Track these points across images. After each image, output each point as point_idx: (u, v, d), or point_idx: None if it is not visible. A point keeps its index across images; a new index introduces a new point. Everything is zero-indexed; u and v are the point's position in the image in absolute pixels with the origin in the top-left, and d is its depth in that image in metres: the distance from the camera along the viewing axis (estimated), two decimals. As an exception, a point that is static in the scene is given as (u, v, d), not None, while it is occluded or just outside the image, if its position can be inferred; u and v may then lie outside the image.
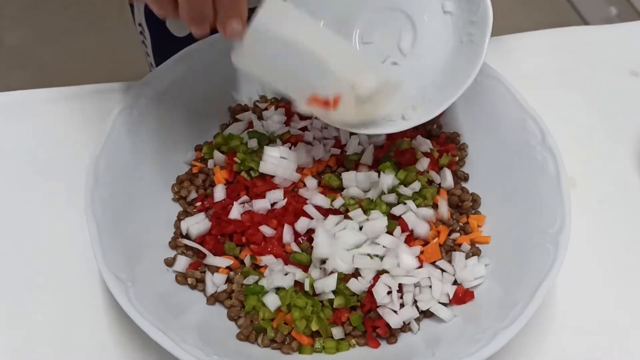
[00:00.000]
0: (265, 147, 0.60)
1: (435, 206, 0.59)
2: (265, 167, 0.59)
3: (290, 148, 0.61)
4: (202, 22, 0.44)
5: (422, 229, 0.56)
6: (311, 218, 0.57)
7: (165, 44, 0.80)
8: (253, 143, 0.61)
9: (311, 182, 0.60)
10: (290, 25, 0.49)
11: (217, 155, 0.62)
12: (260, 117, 0.65)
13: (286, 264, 0.56)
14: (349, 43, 0.55)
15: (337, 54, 0.52)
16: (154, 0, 0.43)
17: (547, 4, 2.02)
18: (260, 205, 0.58)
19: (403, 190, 0.58)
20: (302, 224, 0.57)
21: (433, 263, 0.56)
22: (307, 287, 0.53)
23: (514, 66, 0.65)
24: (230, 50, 0.50)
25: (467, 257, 0.57)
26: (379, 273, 0.54)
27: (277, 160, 0.59)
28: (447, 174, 0.62)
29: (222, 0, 0.43)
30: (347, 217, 0.57)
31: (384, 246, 0.54)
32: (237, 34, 0.46)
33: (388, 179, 0.58)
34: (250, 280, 0.55)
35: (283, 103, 0.67)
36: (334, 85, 0.52)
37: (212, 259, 0.57)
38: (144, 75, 0.62)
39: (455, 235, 0.59)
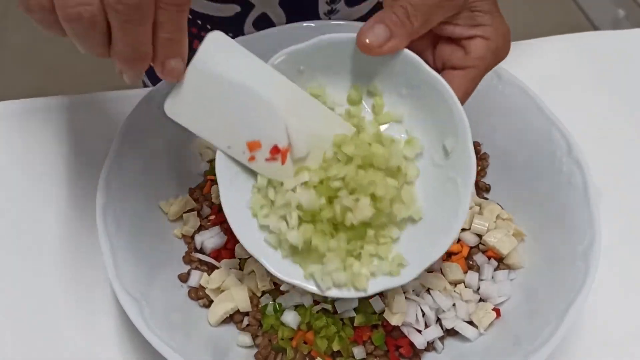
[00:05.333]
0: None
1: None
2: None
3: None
4: (142, 62, 0.38)
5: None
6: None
7: None
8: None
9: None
10: (235, 64, 0.43)
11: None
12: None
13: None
14: (307, 94, 0.46)
15: (289, 99, 0.45)
16: (79, 39, 0.36)
17: (554, 7, 2.00)
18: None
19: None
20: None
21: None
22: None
23: (527, 72, 0.63)
24: (163, 102, 0.44)
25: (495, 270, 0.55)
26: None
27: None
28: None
29: (161, 37, 0.37)
30: None
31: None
32: (176, 73, 0.40)
33: None
34: (265, 300, 0.54)
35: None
36: (284, 136, 0.45)
37: (227, 275, 0.55)
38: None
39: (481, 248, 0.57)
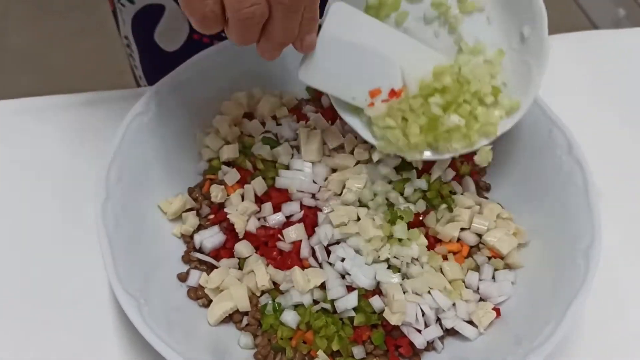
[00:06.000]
0: (290, 161, 0.59)
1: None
2: (283, 182, 0.57)
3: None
4: (289, 42, 0.46)
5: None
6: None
7: (153, 57, 0.79)
8: (265, 149, 0.60)
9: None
10: (354, 28, 0.51)
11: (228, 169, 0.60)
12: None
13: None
14: (416, 42, 0.54)
15: (406, 52, 0.53)
16: (243, 33, 0.43)
17: (554, 6, 1.99)
18: (276, 220, 0.56)
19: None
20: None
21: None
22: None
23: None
24: (298, 66, 0.51)
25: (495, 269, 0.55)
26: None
27: (295, 174, 0.57)
28: (470, 183, 0.60)
29: (305, 18, 0.45)
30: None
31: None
32: (313, 45, 0.48)
33: (419, 182, 0.57)
34: (264, 299, 0.53)
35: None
36: (399, 79, 0.53)
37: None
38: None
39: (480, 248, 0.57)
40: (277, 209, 0.57)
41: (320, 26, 0.49)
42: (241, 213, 0.56)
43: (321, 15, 0.48)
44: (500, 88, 0.53)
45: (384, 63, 0.52)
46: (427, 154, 0.54)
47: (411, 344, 0.51)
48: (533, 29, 0.52)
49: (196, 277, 0.55)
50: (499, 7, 0.54)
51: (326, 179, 0.59)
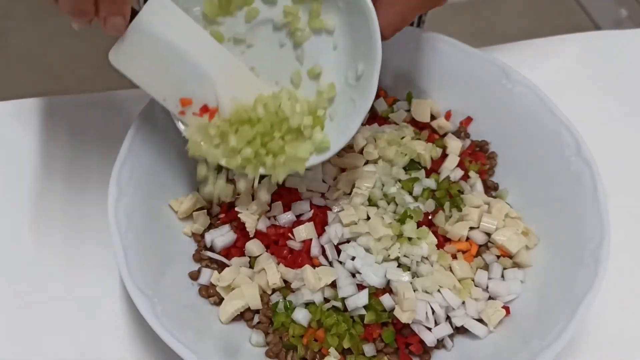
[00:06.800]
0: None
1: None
2: (293, 181, 0.58)
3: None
4: (83, 16, 0.44)
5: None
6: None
7: None
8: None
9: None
10: (175, 28, 0.48)
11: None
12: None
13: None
14: (240, 63, 0.53)
15: (220, 62, 0.51)
16: None
17: (556, 6, 2.00)
18: (286, 219, 0.57)
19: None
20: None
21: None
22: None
23: (530, 72, 0.63)
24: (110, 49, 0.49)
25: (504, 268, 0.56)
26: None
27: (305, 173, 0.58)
28: (477, 183, 0.60)
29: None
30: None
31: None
32: (117, 29, 0.46)
33: (427, 181, 0.57)
34: (275, 297, 0.54)
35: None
36: (213, 98, 0.51)
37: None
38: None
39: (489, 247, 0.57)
40: (287, 208, 0.58)
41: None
42: (252, 213, 0.56)
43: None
44: (324, 121, 0.52)
45: (199, 75, 0.50)
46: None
47: (421, 341, 0.51)
48: (366, 66, 0.49)
49: (207, 275, 0.56)
50: (348, 37, 0.51)
51: (335, 178, 0.59)
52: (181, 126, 0.53)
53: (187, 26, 0.49)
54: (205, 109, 0.52)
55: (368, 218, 0.56)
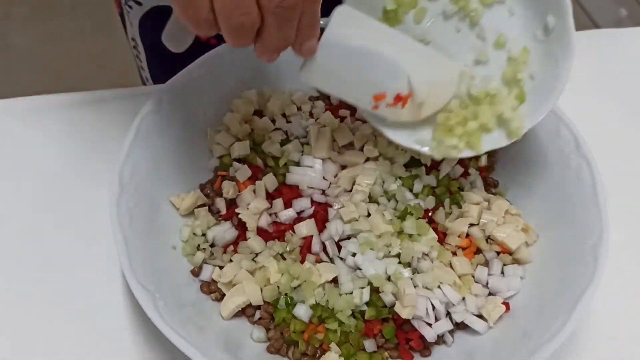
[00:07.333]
0: (301, 158, 0.59)
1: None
2: (293, 178, 0.58)
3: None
4: (284, 49, 0.46)
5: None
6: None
7: (161, 59, 0.79)
8: (276, 147, 0.60)
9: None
10: (359, 32, 0.50)
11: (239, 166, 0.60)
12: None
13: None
14: (420, 44, 0.54)
15: (414, 57, 0.52)
16: (235, 39, 0.43)
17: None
18: (287, 215, 0.57)
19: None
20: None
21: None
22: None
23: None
24: (299, 68, 0.50)
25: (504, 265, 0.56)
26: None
27: (306, 170, 0.58)
28: (477, 180, 0.61)
29: (304, 24, 0.44)
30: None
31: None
32: (313, 51, 0.48)
33: (428, 178, 0.58)
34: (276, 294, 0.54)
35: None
36: (406, 85, 0.52)
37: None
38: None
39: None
40: (288, 204, 0.58)
41: (324, 29, 0.49)
42: (253, 212, 0.57)
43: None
44: (527, 84, 0.53)
45: (389, 67, 0.51)
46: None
47: (422, 337, 0.52)
48: (558, 18, 0.51)
49: (209, 271, 0.56)
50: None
51: (336, 175, 0.60)
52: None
53: (372, 26, 0.51)
54: (398, 98, 0.52)
55: (368, 215, 0.56)
